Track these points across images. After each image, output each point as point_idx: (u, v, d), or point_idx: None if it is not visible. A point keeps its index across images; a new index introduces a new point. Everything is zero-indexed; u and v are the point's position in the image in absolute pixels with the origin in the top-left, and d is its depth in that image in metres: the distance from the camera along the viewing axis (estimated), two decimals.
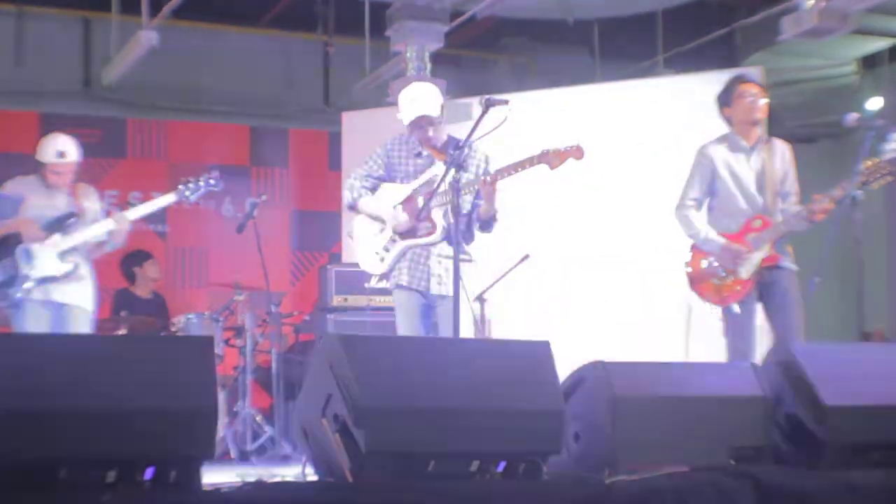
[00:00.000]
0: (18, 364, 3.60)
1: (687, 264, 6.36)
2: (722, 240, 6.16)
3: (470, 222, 6.07)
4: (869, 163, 5.86)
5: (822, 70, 10.89)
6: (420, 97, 6.09)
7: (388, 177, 6.17)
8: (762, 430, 4.67)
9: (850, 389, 4.71)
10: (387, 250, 6.09)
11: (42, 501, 3.46)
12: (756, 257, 6.08)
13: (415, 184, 6.06)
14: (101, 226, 6.63)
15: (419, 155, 6.13)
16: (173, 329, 8.11)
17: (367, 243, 6.17)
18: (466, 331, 5.77)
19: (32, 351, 3.74)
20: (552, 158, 5.88)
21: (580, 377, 4.61)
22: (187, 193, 6.74)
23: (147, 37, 8.46)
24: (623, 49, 11.14)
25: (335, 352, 4.04)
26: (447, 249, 5.90)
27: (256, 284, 8.37)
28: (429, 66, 8.80)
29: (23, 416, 3.53)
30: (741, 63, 10.71)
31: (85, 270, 6.63)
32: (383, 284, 6.31)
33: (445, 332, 5.84)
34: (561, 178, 8.62)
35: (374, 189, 6.23)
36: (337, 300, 8.58)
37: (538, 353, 4.38)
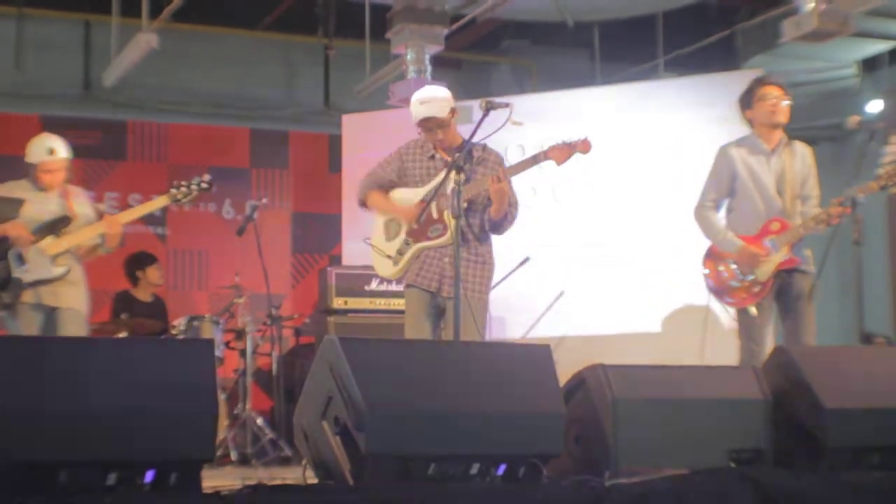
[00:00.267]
0: (19, 366, 3.61)
1: (704, 266, 6.36)
2: (739, 241, 6.17)
3: (483, 224, 6.07)
4: (889, 167, 5.86)
5: (822, 73, 10.89)
6: (428, 99, 6.09)
7: (402, 180, 6.16)
8: (762, 433, 4.67)
9: (850, 392, 4.71)
10: (400, 253, 6.09)
11: None
12: (773, 260, 6.08)
13: (428, 186, 6.05)
14: (94, 229, 6.62)
15: (432, 157, 6.13)
16: (173, 332, 8.11)
17: (382, 248, 6.16)
18: (469, 333, 5.75)
19: (33, 353, 3.74)
20: (559, 153, 5.87)
21: (580, 380, 4.62)
22: (179, 197, 6.72)
23: (147, 39, 8.47)
24: (623, 51, 11.14)
25: (335, 354, 4.05)
26: (460, 251, 5.85)
27: (257, 287, 8.37)
28: (429, 68, 8.80)
29: (23, 419, 3.53)
30: (741, 66, 10.71)
31: (77, 274, 6.62)
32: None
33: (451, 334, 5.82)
34: (562, 179, 8.69)
35: (385, 190, 6.22)
36: (337, 302, 8.57)
37: (538, 356, 4.39)
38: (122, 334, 8.07)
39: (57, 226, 6.54)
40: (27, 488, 3.51)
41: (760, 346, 6.05)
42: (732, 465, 4.57)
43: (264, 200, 8.44)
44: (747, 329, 6.16)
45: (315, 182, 11.06)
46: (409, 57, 8.78)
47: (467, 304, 5.70)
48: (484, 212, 6.03)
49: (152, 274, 9.19)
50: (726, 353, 6.74)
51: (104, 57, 9.56)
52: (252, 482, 3.86)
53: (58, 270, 6.49)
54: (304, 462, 4.38)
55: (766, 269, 6.09)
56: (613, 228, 9.00)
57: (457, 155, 5.64)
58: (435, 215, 6.00)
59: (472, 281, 5.96)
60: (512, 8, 9.38)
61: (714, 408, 4.63)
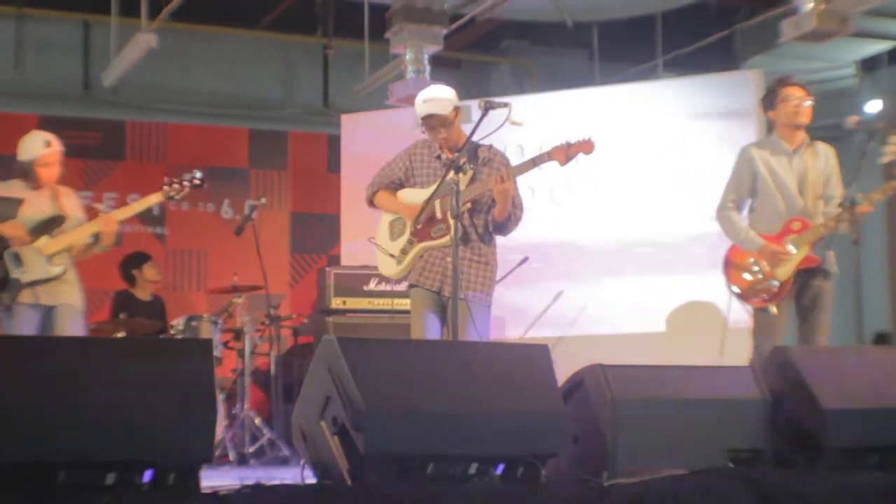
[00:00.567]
0: (18, 366, 3.60)
1: (724, 266, 6.38)
2: (760, 240, 6.19)
3: (487, 224, 6.07)
4: None
5: (821, 73, 10.90)
6: (430, 98, 6.08)
7: (410, 180, 6.16)
8: (761, 433, 4.67)
9: (849, 392, 4.71)
10: (404, 253, 6.09)
11: None
12: (794, 259, 6.10)
13: (433, 187, 6.04)
14: (89, 227, 6.61)
15: (438, 158, 6.13)
16: (172, 332, 8.10)
17: (386, 247, 6.16)
18: (470, 333, 5.75)
19: (32, 353, 3.74)
20: (562, 154, 5.86)
21: (579, 380, 4.62)
22: (172, 194, 6.71)
23: (146, 39, 8.46)
24: (622, 52, 11.15)
25: (334, 354, 4.04)
26: (463, 250, 5.87)
27: (255, 287, 8.37)
28: (428, 68, 8.80)
29: (22, 419, 3.53)
30: (740, 66, 10.72)
31: (72, 272, 6.61)
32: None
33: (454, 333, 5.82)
34: (560, 180, 8.69)
35: (392, 190, 6.23)
36: (336, 302, 8.56)
37: (537, 356, 4.39)
38: (121, 334, 8.06)
39: (51, 225, 6.53)
40: (26, 488, 3.51)
41: (777, 344, 6.05)
42: (731, 465, 4.57)
43: (263, 200, 8.43)
44: (763, 328, 6.18)
45: (314, 182, 11.06)
46: (408, 57, 8.77)
47: (467, 305, 5.71)
48: (488, 212, 6.02)
49: (148, 271, 9.19)
50: (720, 353, 6.75)
51: (103, 57, 9.56)
52: (250, 482, 3.85)
53: (55, 270, 6.48)
54: (302, 462, 4.38)
55: (786, 269, 6.11)
56: (612, 228, 9.00)
57: (455, 154, 5.64)
58: (439, 215, 6.00)
59: (475, 281, 5.96)
60: (511, 8, 9.37)
61: (713, 408, 4.63)
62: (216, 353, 7.86)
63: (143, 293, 9.15)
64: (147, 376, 3.76)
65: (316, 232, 10.98)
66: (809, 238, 6.10)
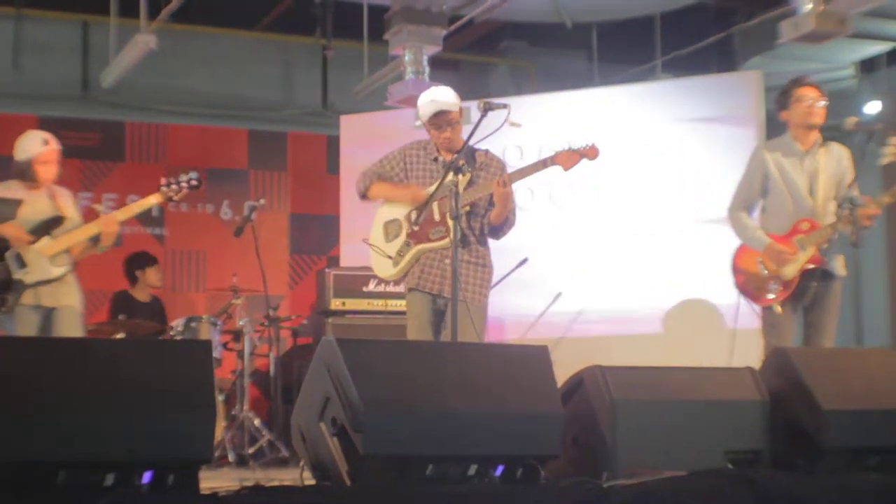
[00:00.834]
0: (17, 367, 3.60)
1: (732, 264, 6.40)
2: (767, 239, 6.22)
3: (483, 227, 6.07)
4: None
5: (820, 74, 10.87)
6: (440, 95, 6.08)
7: (403, 181, 6.16)
8: (760, 434, 4.67)
9: (848, 393, 4.72)
10: (401, 255, 6.09)
11: None
12: (800, 259, 6.11)
13: (430, 188, 6.04)
14: (90, 228, 6.61)
15: (436, 160, 6.12)
16: (171, 333, 8.10)
17: (382, 249, 6.15)
18: (469, 334, 5.75)
19: (32, 354, 3.74)
20: (566, 159, 5.88)
21: (578, 381, 4.62)
22: (170, 194, 6.71)
23: (145, 40, 8.46)
24: (621, 53, 11.14)
25: (333, 355, 4.05)
26: (461, 252, 5.88)
27: (254, 288, 8.37)
28: (427, 69, 8.79)
29: (22, 420, 3.53)
30: (739, 67, 10.72)
31: (72, 274, 6.62)
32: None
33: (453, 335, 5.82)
34: (559, 181, 8.68)
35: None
36: (335, 304, 8.57)
37: (536, 357, 4.39)
38: (120, 335, 8.06)
39: (51, 226, 6.52)
40: (25, 489, 3.50)
41: (784, 345, 6.05)
42: (730, 466, 4.57)
43: (262, 201, 8.44)
44: (770, 328, 6.21)
45: (313, 183, 11.05)
46: (407, 58, 8.77)
47: (466, 306, 5.71)
48: (485, 216, 6.03)
49: (151, 275, 9.19)
50: (719, 353, 6.75)
51: (102, 58, 9.55)
52: (249, 483, 3.85)
53: (57, 271, 6.47)
54: (301, 463, 4.38)
55: (792, 268, 6.13)
56: (611, 229, 9.00)
57: (455, 156, 5.64)
58: (437, 217, 6.00)
59: (473, 283, 5.97)
60: (510, 9, 9.37)
61: (712, 409, 4.63)
62: (215, 354, 7.86)
63: (142, 294, 9.15)
64: (146, 377, 3.76)
65: (315, 233, 10.98)
66: (817, 239, 6.11)
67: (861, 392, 4.75)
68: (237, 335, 8.30)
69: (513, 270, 8.18)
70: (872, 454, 4.70)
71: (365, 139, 9.40)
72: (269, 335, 8.44)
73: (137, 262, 9.19)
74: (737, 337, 6.92)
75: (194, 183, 6.72)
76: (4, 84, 10.10)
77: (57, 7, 10.23)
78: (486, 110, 5.49)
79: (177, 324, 8.10)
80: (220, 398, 7.81)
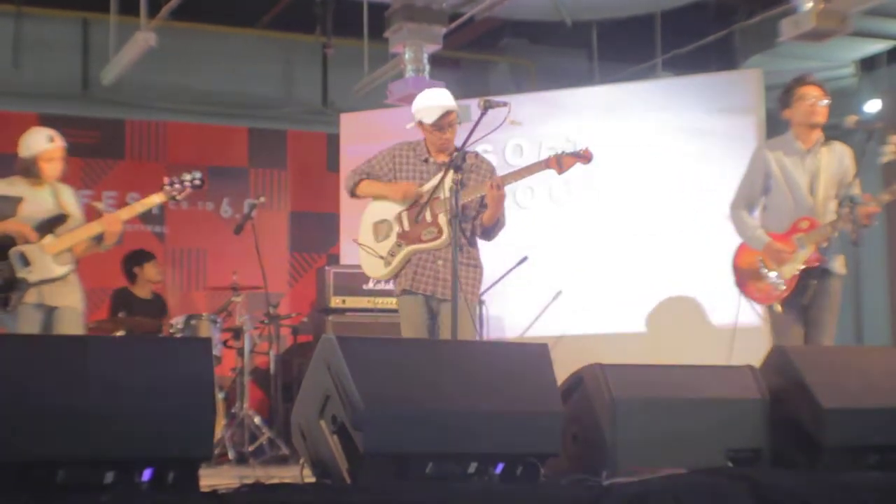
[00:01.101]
0: (17, 365, 3.60)
1: (733, 263, 6.41)
2: (767, 238, 6.23)
3: (474, 228, 6.08)
4: None
5: (820, 72, 10.86)
6: (439, 97, 6.10)
7: (392, 181, 6.16)
8: (760, 433, 4.67)
9: (848, 391, 4.72)
10: (392, 255, 6.09)
11: (40, 502, 3.46)
12: (799, 257, 6.12)
13: (423, 187, 6.05)
14: (94, 227, 6.60)
15: (426, 161, 6.13)
16: (171, 330, 8.10)
17: (372, 248, 6.15)
18: (467, 334, 5.76)
19: (31, 352, 3.74)
20: (559, 164, 5.89)
21: (578, 379, 4.62)
22: (174, 193, 6.71)
23: (145, 38, 8.45)
24: (622, 51, 11.14)
25: (333, 353, 4.05)
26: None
27: (255, 285, 8.37)
28: (427, 67, 8.80)
29: (22, 418, 3.53)
30: (740, 65, 10.71)
31: (74, 273, 6.61)
32: (387, 286, 6.30)
33: (448, 335, 5.83)
34: (560, 180, 8.67)
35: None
36: (335, 301, 8.57)
37: (536, 355, 4.39)
38: (120, 333, 8.06)
39: (55, 224, 6.51)
40: (25, 486, 3.51)
41: (788, 342, 6.05)
42: (731, 464, 4.57)
43: (262, 199, 8.44)
44: (773, 326, 6.21)
45: (313, 181, 11.05)
46: (407, 56, 8.77)
47: (466, 305, 5.71)
48: (476, 217, 6.04)
49: (150, 271, 9.18)
50: (719, 352, 6.75)
51: (102, 55, 9.55)
52: (249, 481, 3.86)
53: (61, 270, 6.46)
54: (301, 461, 4.38)
55: (791, 267, 6.13)
56: (611, 227, 9.01)
57: (455, 154, 5.65)
58: (429, 218, 6.00)
59: (466, 283, 5.97)
60: (510, 7, 9.36)
61: (712, 407, 4.63)
62: (215, 351, 7.86)
63: (142, 291, 9.14)
64: (146, 375, 3.76)
65: (315, 231, 10.98)
66: (816, 237, 6.11)
67: (861, 390, 4.75)
68: (237, 333, 8.30)
69: (513, 269, 8.18)
70: (872, 452, 4.70)
71: (365, 137, 9.39)
72: (269, 333, 8.44)
73: (134, 259, 9.18)
74: (736, 335, 6.93)
75: (197, 183, 6.73)
76: (4, 82, 10.10)
77: (57, 5, 10.23)
78: (486, 108, 5.49)
79: (177, 321, 8.10)
80: (220, 396, 7.81)
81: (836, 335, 6.28)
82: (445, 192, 5.77)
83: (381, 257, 6.12)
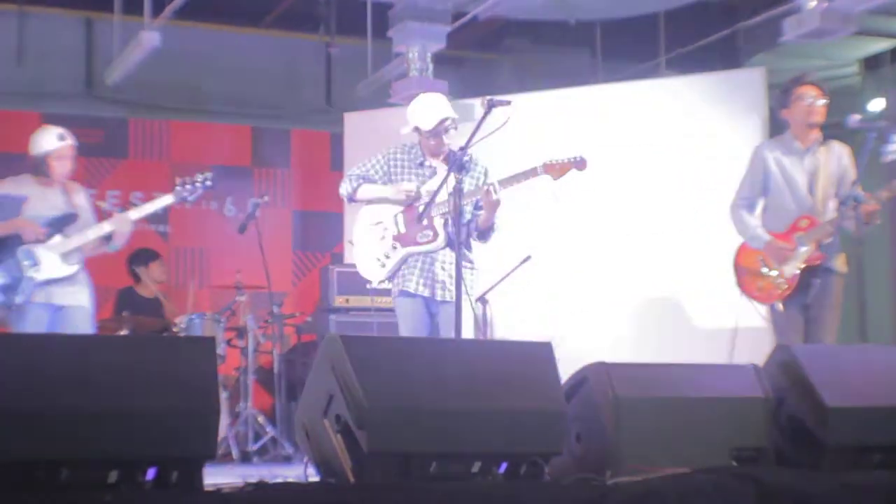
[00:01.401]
0: (20, 364, 3.60)
1: (734, 262, 6.42)
2: (767, 237, 6.25)
3: (468, 232, 6.09)
4: None
5: (824, 71, 10.86)
6: (436, 104, 6.14)
7: (387, 184, 6.18)
8: (763, 431, 4.66)
9: (852, 390, 4.71)
10: (388, 257, 6.10)
11: (43, 502, 3.46)
12: (800, 256, 6.12)
13: (420, 191, 6.07)
14: (103, 227, 6.60)
15: (421, 164, 6.15)
16: (175, 329, 8.11)
17: (367, 250, 6.17)
18: (468, 335, 5.78)
19: (34, 351, 3.73)
20: (555, 170, 5.94)
21: (582, 378, 4.61)
22: (185, 194, 6.72)
23: (149, 37, 8.46)
24: (625, 50, 11.14)
25: (337, 352, 4.04)
26: (451, 256, 5.93)
27: (258, 285, 8.37)
28: (431, 66, 8.80)
29: (24, 417, 3.53)
30: (743, 64, 10.71)
31: (83, 272, 6.61)
32: (386, 285, 6.32)
33: (447, 336, 5.85)
34: (563, 178, 8.67)
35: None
36: (339, 301, 8.58)
37: (540, 354, 4.39)
38: (124, 332, 8.07)
39: (64, 223, 6.51)
40: (28, 486, 3.51)
41: (790, 341, 6.05)
42: (734, 463, 4.57)
43: (266, 198, 8.45)
44: (777, 325, 6.23)
45: (317, 180, 11.06)
46: (410, 55, 8.78)
47: (469, 305, 5.74)
48: (471, 220, 6.07)
49: (155, 270, 9.19)
50: (721, 351, 6.74)
51: (106, 55, 9.57)
52: (253, 480, 3.85)
53: (69, 269, 6.46)
54: (305, 460, 4.38)
55: (792, 265, 6.14)
56: (615, 226, 9.00)
57: (459, 151, 5.66)
58: (424, 221, 6.02)
59: (466, 285, 5.98)
60: (513, 6, 9.38)
61: (716, 406, 4.62)
62: (219, 350, 7.87)
63: (146, 290, 9.14)
64: (150, 374, 3.76)
65: (319, 230, 10.99)
66: (816, 235, 6.12)
67: (865, 389, 4.74)
68: (241, 332, 8.31)
69: (516, 268, 8.17)
70: (876, 451, 4.69)
71: (369, 136, 9.39)
72: (272, 332, 8.44)
73: (138, 259, 9.18)
74: (738, 335, 6.92)
75: (209, 184, 6.75)
76: (8, 81, 10.11)
77: (61, 4, 10.24)
78: (489, 107, 5.50)
79: (181, 320, 8.11)
80: (223, 395, 7.82)
81: (840, 334, 6.28)
82: (444, 195, 5.80)
83: (377, 259, 6.13)
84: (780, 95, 6.39)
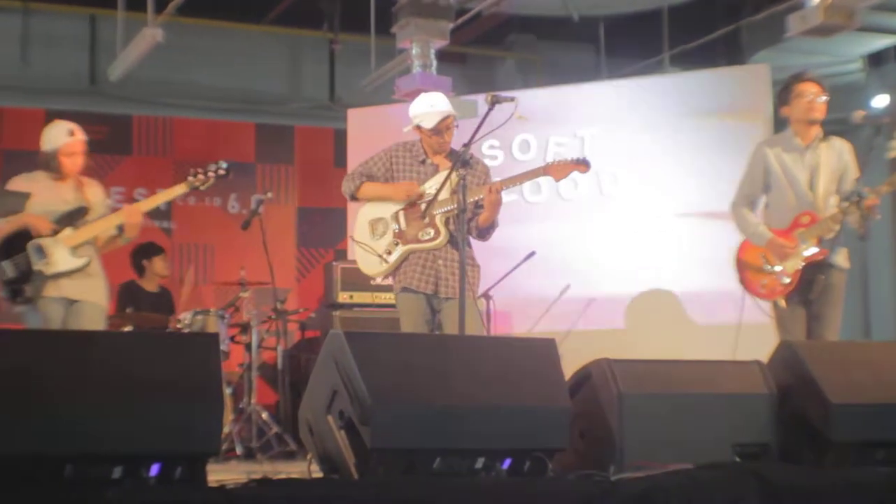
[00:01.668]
0: (25, 361, 3.61)
1: (736, 258, 6.42)
2: (769, 234, 6.24)
3: (469, 230, 6.10)
4: None
5: (827, 67, 10.87)
6: (438, 102, 6.15)
7: (389, 182, 6.19)
8: (767, 428, 4.67)
9: (855, 387, 4.71)
10: (388, 253, 6.10)
11: (48, 497, 3.47)
12: (801, 252, 6.12)
13: (422, 189, 6.08)
14: (113, 219, 6.59)
15: (423, 162, 6.16)
16: (178, 326, 8.11)
17: (368, 246, 6.17)
18: (472, 331, 5.77)
19: (39, 347, 3.74)
20: (557, 170, 5.96)
21: (586, 374, 4.62)
22: (197, 184, 6.70)
23: (152, 33, 8.46)
24: (629, 46, 11.14)
25: (341, 348, 4.05)
26: (452, 253, 5.95)
27: (262, 281, 8.37)
28: (434, 63, 8.80)
29: (29, 413, 3.54)
30: (747, 60, 10.70)
31: (96, 265, 6.59)
32: (387, 281, 6.33)
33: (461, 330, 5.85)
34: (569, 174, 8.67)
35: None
36: (343, 297, 8.58)
37: (544, 350, 4.39)
38: (128, 328, 8.07)
39: (75, 217, 6.50)
40: (33, 482, 3.51)
41: (793, 337, 6.06)
42: (738, 459, 4.57)
43: (269, 195, 8.43)
44: (781, 322, 6.22)
45: (320, 176, 11.06)
46: (414, 51, 8.77)
47: (472, 303, 5.74)
48: (472, 219, 6.07)
49: (158, 265, 9.19)
50: (724, 348, 6.73)
51: (110, 51, 9.57)
52: (257, 476, 3.86)
53: (79, 262, 6.44)
54: (309, 456, 4.39)
55: (794, 262, 6.14)
56: (618, 222, 9.00)
57: (463, 148, 5.66)
58: (426, 219, 6.03)
59: (469, 282, 5.98)
60: (517, 2, 9.39)
61: (719, 402, 4.63)
62: (223, 347, 7.86)
63: (150, 284, 9.15)
64: (154, 370, 3.77)
65: (322, 226, 10.99)
66: (817, 232, 6.12)
67: (869, 385, 4.75)
68: (245, 328, 8.30)
69: (520, 263, 8.18)
70: (880, 447, 4.70)
71: (372, 132, 9.39)
72: (276, 328, 8.44)
73: (144, 252, 9.19)
74: (741, 331, 6.92)
75: (222, 172, 6.72)
76: (12, 78, 10.12)
77: (64, 1, 10.24)
78: (493, 103, 5.51)
79: (184, 317, 8.10)
80: (227, 391, 7.82)
81: (844, 330, 6.28)
82: (446, 193, 5.81)
83: (378, 255, 6.14)
84: (781, 92, 6.39)
